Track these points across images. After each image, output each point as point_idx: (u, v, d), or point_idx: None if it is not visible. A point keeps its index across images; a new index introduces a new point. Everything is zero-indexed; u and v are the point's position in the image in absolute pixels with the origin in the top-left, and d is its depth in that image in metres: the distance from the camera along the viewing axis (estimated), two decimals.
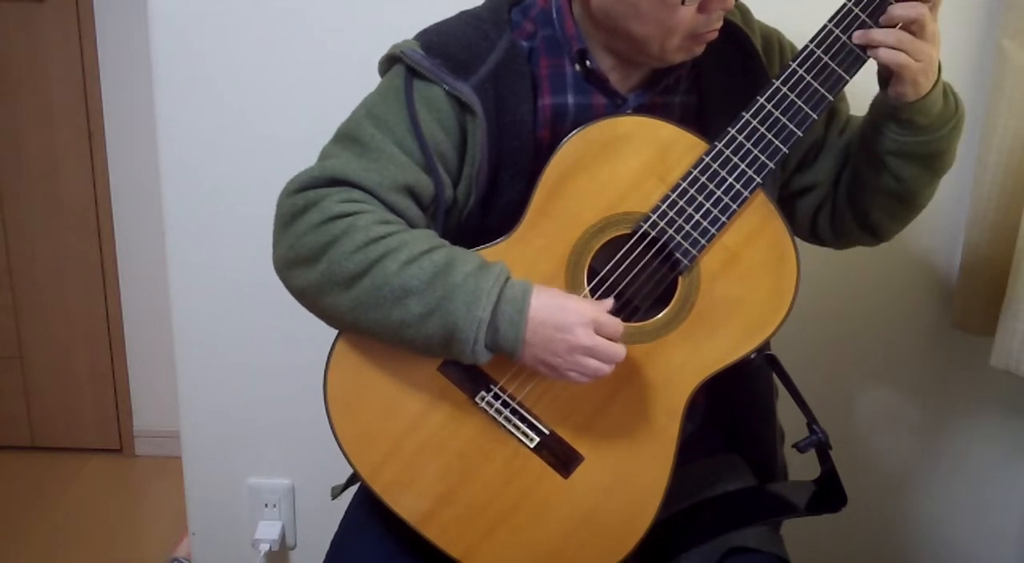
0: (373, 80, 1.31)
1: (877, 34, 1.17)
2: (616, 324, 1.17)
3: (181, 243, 1.87)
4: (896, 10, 1.16)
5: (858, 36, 1.18)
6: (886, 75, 1.22)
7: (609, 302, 1.20)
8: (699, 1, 1.17)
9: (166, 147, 1.82)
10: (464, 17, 1.30)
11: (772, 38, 1.36)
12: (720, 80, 1.31)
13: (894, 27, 1.17)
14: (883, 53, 1.17)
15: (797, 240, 1.23)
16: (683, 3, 1.16)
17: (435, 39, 1.26)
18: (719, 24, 1.22)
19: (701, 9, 1.18)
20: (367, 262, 1.15)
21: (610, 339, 1.16)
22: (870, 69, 1.21)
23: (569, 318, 1.15)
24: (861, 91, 1.31)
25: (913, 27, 1.17)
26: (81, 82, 2.64)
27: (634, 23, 1.19)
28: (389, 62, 1.30)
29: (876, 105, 1.28)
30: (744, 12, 1.35)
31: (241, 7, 1.73)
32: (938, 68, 1.22)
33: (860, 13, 1.17)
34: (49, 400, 2.90)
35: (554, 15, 1.29)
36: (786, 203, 1.38)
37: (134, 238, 2.77)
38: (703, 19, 1.19)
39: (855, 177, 1.33)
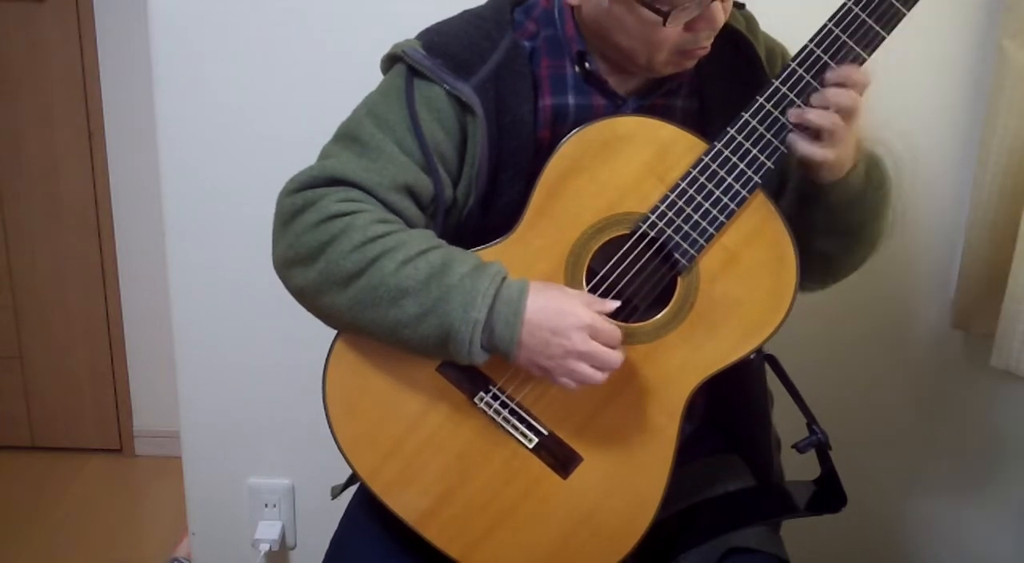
0: (373, 80, 1.31)
1: (816, 117, 1.15)
2: (613, 331, 1.17)
3: (181, 243, 1.87)
4: (832, 94, 1.15)
5: (793, 115, 1.16)
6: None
7: (613, 304, 1.19)
8: (683, 22, 1.16)
9: (166, 147, 1.82)
10: (466, 16, 1.30)
11: (775, 51, 1.36)
12: (722, 86, 1.30)
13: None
14: (803, 146, 1.17)
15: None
16: (664, 24, 1.15)
17: (436, 39, 1.26)
18: (708, 41, 1.21)
19: (688, 28, 1.17)
20: (364, 262, 1.15)
21: (607, 345, 1.16)
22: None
23: (566, 321, 1.14)
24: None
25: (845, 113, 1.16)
26: (81, 82, 2.64)
27: (621, 36, 1.19)
28: (390, 61, 1.30)
29: (795, 178, 1.27)
30: (749, 20, 1.34)
31: (241, 7, 1.73)
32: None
33: (860, 12, 1.17)
34: (49, 400, 2.90)
35: (556, 15, 1.29)
36: None
37: (134, 238, 2.77)
38: (690, 37, 1.18)
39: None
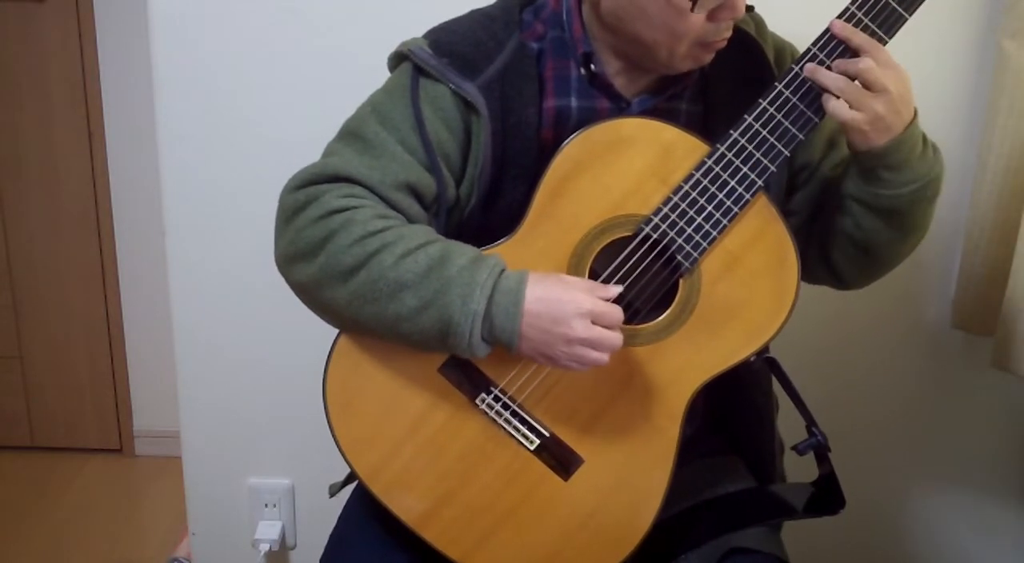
0: (373, 80, 1.31)
1: (825, 77, 1.17)
2: (614, 312, 1.16)
3: (181, 243, 1.87)
4: (839, 64, 1.17)
5: (808, 70, 1.18)
6: None
7: (616, 289, 1.19)
8: (709, 9, 1.16)
9: (166, 147, 1.82)
10: (475, 16, 1.30)
11: (785, 51, 1.36)
12: (728, 90, 1.30)
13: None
14: (825, 98, 1.18)
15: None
16: (692, 10, 1.15)
17: (443, 38, 1.26)
18: (728, 33, 1.21)
19: (711, 17, 1.17)
20: (363, 255, 1.15)
21: (608, 327, 1.16)
22: None
23: (566, 310, 1.14)
24: None
25: (862, 79, 1.16)
26: (81, 82, 2.64)
27: (643, 27, 1.19)
28: (397, 59, 1.30)
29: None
30: (758, 23, 1.35)
31: (241, 7, 1.73)
32: (908, 124, 1.19)
33: (863, 17, 1.17)
34: (49, 400, 2.90)
35: (564, 17, 1.29)
36: None
37: (134, 238, 2.77)
38: (712, 27, 1.19)
39: (824, 213, 1.32)
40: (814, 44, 1.19)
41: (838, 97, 1.17)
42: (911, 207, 1.25)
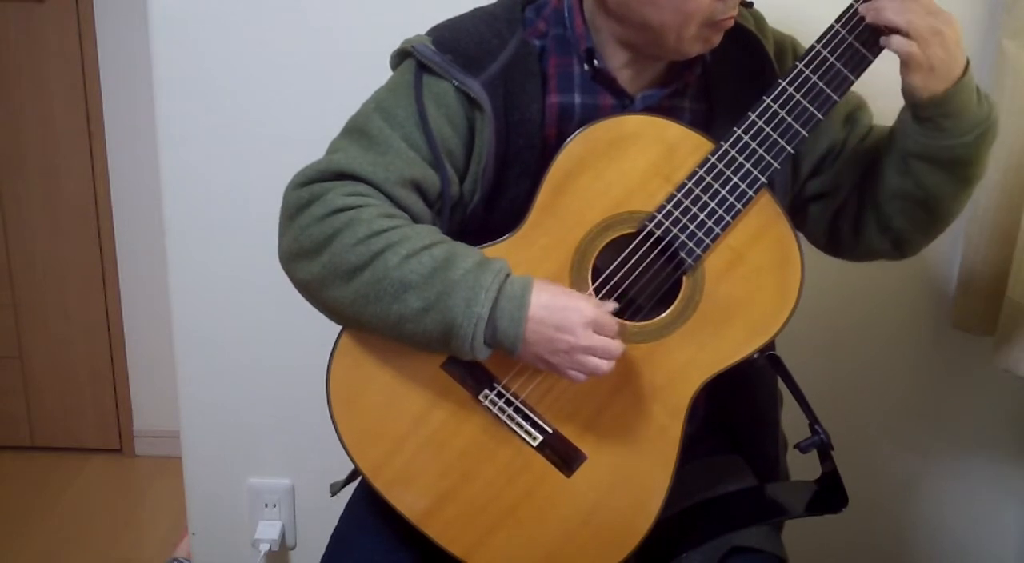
0: (372, 79, 1.31)
1: (890, 14, 1.14)
2: (614, 324, 1.17)
3: (181, 243, 1.87)
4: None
5: (867, 9, 1.16)
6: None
7: (611, 305, 1.20)
8: None
9: (166, 147, 1.82)
10: (478, 14, 1.30)
11: (786, 44, 1.36)
12: (731, 87, 1.30)
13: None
14: (892, 38, 1.16)
15: (802, 241, 1.23)
16: None
17: (447, 35, 1.27)
18: (735, 11, 1.21)
19: None
20: (368, 255, 1.15)
21: (608, 337, 1.16)
22: (883, 71, 1.20)
23: (571, 318, 1.15)
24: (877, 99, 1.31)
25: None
26: (81, 82, 2.64)
27: (651, 11, 1.19)
28: (400, 56, 1.30)
29: (903, 108, 1.26)
30: (758, 19, 1.35)
31: (241, 7, 1.73)
32: (964, 70, 1.18)
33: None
34: (49, 400, 2.90)
35: (566, 14, 1.29)
36: (802, 208, 1.37)
37: (134, 238, 2.77)
38: (720, 6, 1.18)
39: (880, 180, 1.31)
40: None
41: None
42: (976, 154, 1.24)
